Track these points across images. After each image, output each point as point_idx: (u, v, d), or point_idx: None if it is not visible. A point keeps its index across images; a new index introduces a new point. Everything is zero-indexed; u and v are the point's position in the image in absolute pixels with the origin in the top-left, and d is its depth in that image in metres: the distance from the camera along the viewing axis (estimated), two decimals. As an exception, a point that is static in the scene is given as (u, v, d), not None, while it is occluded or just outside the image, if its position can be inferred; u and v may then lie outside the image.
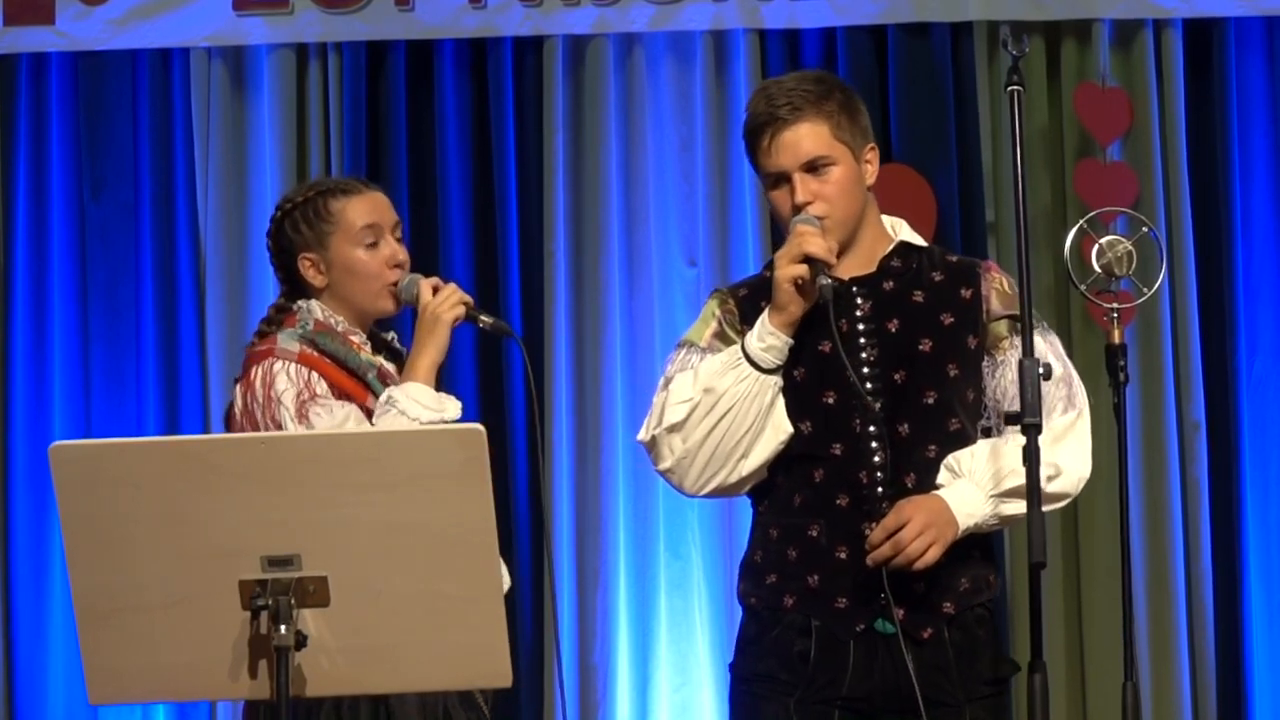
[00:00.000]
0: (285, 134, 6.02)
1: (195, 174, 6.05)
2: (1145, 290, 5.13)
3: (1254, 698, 5.91)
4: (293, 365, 3.75)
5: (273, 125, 6.04)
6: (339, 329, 3.82)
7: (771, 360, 3.66)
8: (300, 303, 3.87)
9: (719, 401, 3.66)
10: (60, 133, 6.08)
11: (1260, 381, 5.98)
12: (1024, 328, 3.55)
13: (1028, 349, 3.52)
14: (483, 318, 3.84)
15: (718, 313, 3.78)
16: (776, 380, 3.67)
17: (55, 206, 6.07)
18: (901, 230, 3.82)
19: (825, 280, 3.60)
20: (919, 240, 3.82)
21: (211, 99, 6.04)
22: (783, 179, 3.70)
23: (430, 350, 3.78)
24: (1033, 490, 3.45)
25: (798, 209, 3.68)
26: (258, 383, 3.75)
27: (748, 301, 3.77)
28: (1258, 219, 6.02)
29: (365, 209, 3.87)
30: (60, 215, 6.07)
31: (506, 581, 3.84)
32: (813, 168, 3.69)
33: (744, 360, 3.66)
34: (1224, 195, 5.99)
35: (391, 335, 3.97)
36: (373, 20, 5.99)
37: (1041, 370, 3.49)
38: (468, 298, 3.83)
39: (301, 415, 3.70)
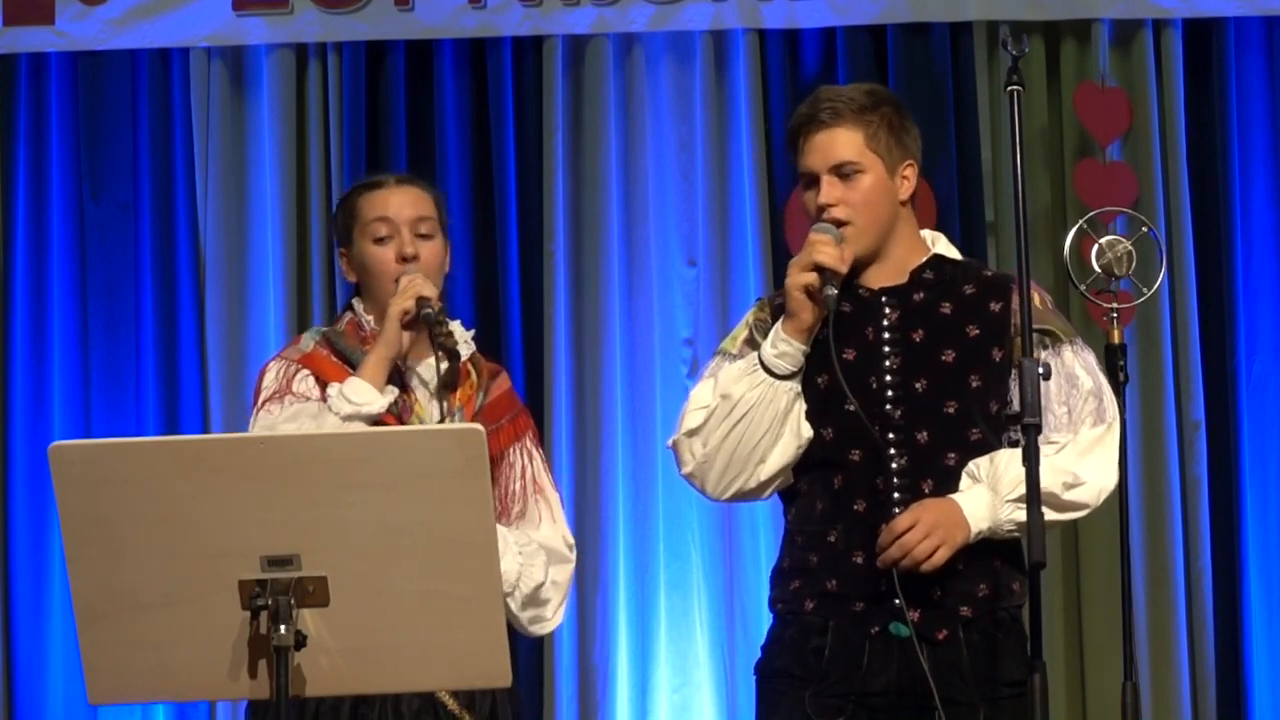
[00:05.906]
0: (285, 134, 6.02)
1: (195, 174, 6.04)
2: (1145, 290, 5.14)
3: (1254, 698, 5.90)
4: (286, 365, 3.81)
5: (272, 125, 6.03)
6: (367, 330, 3.85)
7: (785, 366, 3.70)
8: (353, 301, 3.93)
9: (735, 407, 3.70)
10: (60, 133, 6.07)
11: (1260, 381, 5.98)
12: (1024, 327, 3.55)
13: (1027, 349, 3.53)
14: (426, 311, 3.73)
15: (750, 321, 3.84)
16: (792, 386, 3.70)
17: (55, 206, 6.06)
18: (939, 244, 3.85)
19: (830, 291, 3.64)
20: (955, 254, 3.84)
21: (211, 99, 6.04)
22: (814, 180, 3.75)
23: (378, 346, 3.77)
24: (1032, 490, 3.46)
25: (821, 210, 3.71)
26: (260, 378, 3.86)
27: (781, 310, 3.79)
28: (1258, 219, 6.01)
29: (379, 203, 3.87)
30: (59, 215, 6.06)
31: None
32: (842, 173, 3.73)
33: (759, 367, 3.70)
34: (1224, 195, 5.99)
35: (452, 329, 3.84)
36: (372, 20, 5.99)
37: (1041, 370, 3.50)
38: (425, 292, 3.75)
39: (257, 412, 3.79)
